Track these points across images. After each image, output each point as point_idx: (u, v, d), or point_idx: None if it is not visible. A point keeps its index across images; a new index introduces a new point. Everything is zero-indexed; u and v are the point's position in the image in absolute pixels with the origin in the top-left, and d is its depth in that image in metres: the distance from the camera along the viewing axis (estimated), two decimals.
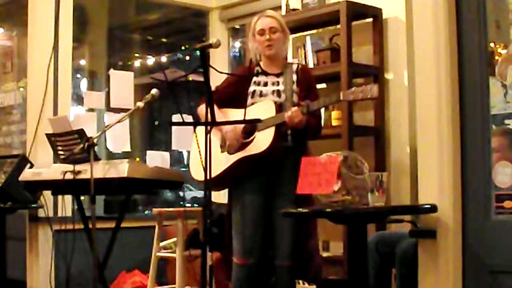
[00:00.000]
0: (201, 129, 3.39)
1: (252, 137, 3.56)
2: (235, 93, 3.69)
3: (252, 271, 3.59)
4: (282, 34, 3.69)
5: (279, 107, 3.56)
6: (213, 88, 3.35)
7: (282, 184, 3.60)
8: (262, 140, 3.50)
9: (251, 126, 3.58)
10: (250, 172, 3.58)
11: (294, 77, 3.68)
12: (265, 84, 3.67)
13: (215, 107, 3.50)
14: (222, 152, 3.64)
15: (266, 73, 3.71)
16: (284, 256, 3.60)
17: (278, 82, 3.67)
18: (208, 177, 3.11)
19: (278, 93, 3.63)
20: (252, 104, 3.63)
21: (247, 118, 3.53)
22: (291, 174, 3.50)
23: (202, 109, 3.57)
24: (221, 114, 3.59)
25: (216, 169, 3.44)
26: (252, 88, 3.67)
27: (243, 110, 3.58)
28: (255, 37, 3.71)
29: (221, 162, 3.57)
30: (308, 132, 3.59)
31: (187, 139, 4.80)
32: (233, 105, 3.69)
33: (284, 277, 3.61)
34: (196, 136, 3.36)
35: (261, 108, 3.57)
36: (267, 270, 3.69)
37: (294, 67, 3.74)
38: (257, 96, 3.65)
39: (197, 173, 3.57)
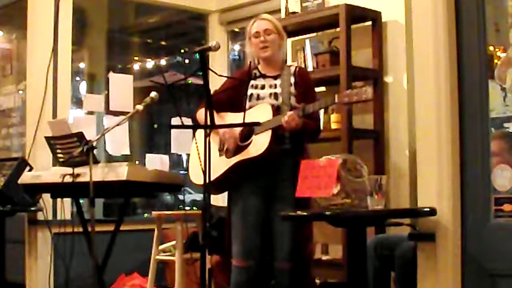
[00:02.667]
0: (201, 133, 3.37)
1: (249, 141, 3.55)
2: (233, 97, 3.67)
3: (251, 274, 3.58)
4: (277, 36, 3.69)
5: (276, 110, 3.56)
6: (211, 92, 3.36)
7: (281, 187, 3.59)
8: (260, 143, 3.50)
9: (248, 130, 3.58)
10: (249, 175, 3.58)
11: (292, 79, 3.67)
12: (262, 87, 3.66)
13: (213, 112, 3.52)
14: (220, 156, 3.64)
15: (263, 76, 3.71)
16: (285, 258, 3.59)
17: (275, 85, 3.66)
18: (207, 180, 3.11)
19: (276, 95, 3.62)
20: (250, 107, 3.62)
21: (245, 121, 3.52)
22: (290, 176, 3.51)
23: (201, 113, 3.58)
24: (219, 118, 3.59)
25: (215, 173, 3.44)
26: (250, 91, 3.66)
27: (240, 114, 3.57)
28: (251, 40, 3.72)
29: (220, 165, 3.56)
30: (305, 135, 3.60)
31: (187, 142, 4.79)
32: (231, 109, 3.68)
33: (284, 280, 3.61)
34: (195, 141, 3.37)
35: (258, 112, 3.56)
36: (265, 274, 3.68)
37: (292, 69, 3.73)
38: (254, 99, 3.64)
39: (196, 177, 3.58)
